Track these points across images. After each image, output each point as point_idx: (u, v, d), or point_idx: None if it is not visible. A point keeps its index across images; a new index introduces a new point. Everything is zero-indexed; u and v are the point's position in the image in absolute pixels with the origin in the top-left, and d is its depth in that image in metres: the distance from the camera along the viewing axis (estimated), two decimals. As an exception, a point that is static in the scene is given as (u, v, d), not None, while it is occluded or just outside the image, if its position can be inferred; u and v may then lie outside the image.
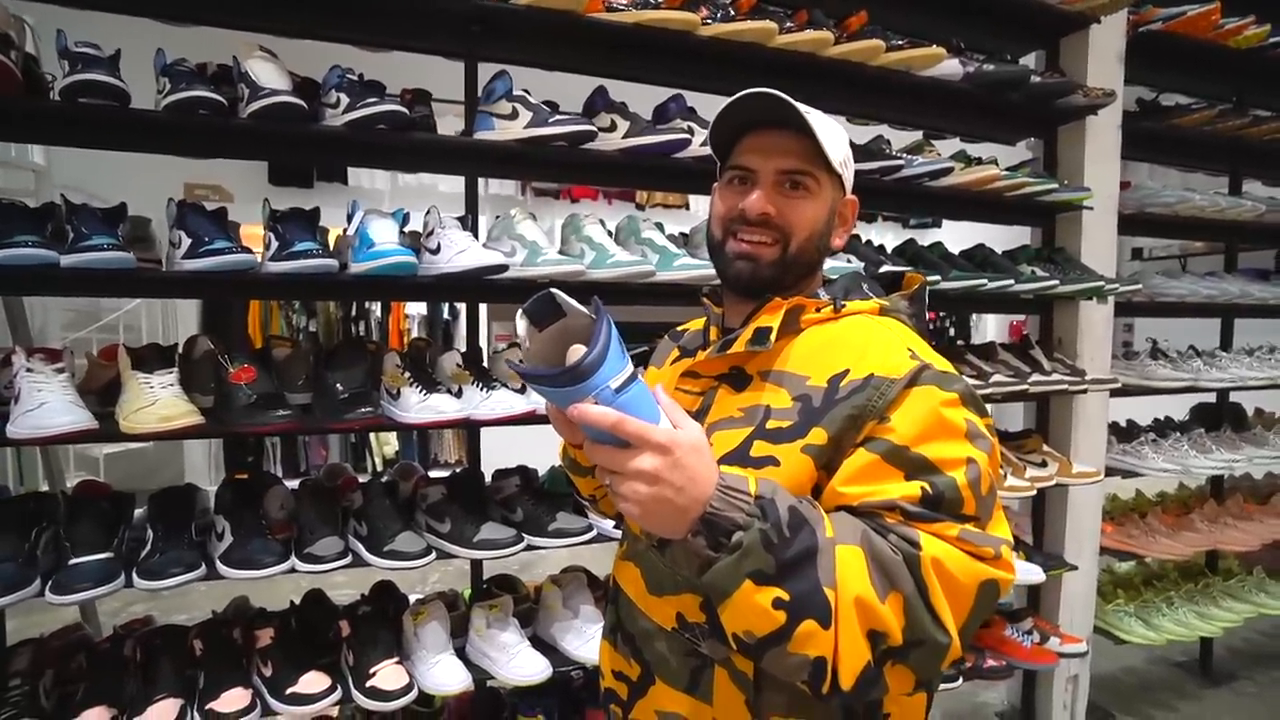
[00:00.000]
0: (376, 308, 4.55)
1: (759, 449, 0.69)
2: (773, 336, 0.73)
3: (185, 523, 1.33)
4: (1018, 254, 1.97)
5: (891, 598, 0.58)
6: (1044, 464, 1.94)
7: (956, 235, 2.14)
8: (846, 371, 0.69)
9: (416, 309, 4.65)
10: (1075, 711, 2.22)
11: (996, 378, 1.80)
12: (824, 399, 0.68)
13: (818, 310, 0.76)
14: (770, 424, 0.70)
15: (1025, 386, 1.83)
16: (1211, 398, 2.55)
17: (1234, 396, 2.58)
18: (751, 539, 0.57)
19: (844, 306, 0.75)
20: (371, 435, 4.54)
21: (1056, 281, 1.81)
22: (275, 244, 1.30)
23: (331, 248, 1.42)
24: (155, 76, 1.25)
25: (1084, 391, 1.95)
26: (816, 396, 0.69)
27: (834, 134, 0.76)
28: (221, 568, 1.26)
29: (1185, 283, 2.18)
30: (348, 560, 1.31)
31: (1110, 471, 2.16)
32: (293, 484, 1.48)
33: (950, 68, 1.74)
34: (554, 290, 0.62)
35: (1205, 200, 2.12)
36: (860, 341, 0.71)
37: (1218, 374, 2.21)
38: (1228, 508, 2.47)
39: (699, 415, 0.76)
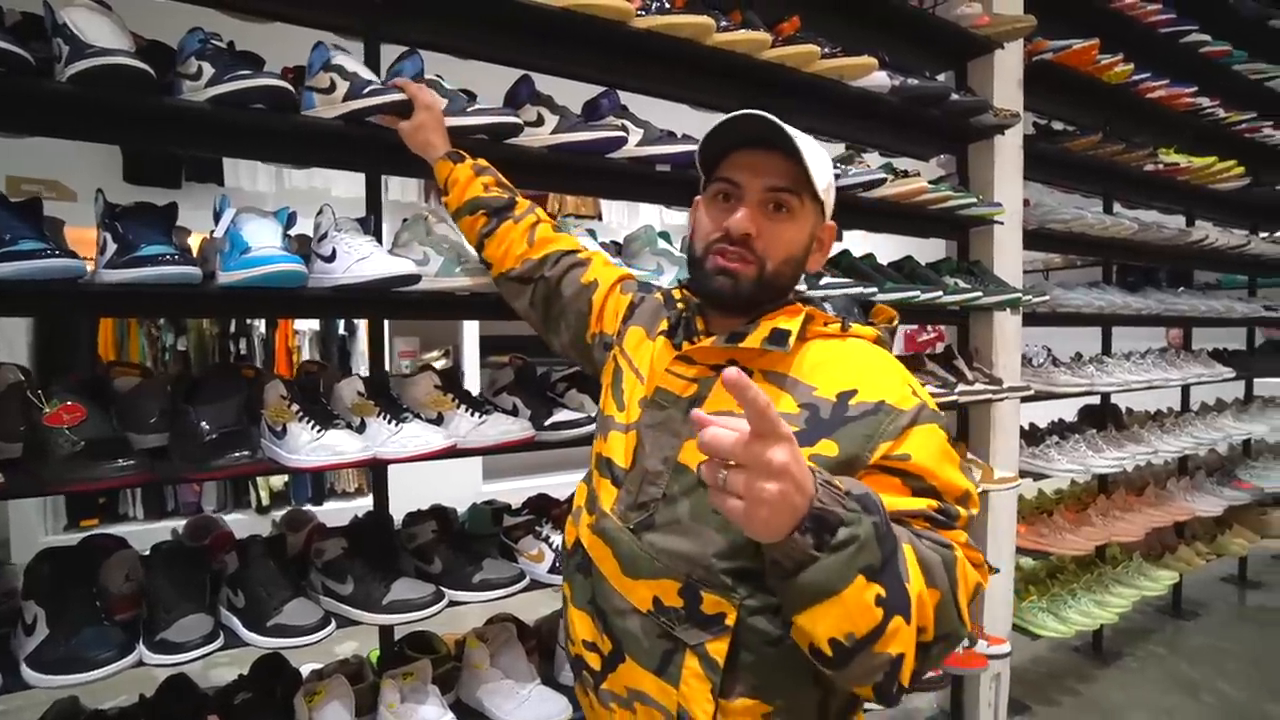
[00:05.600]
0: (260, 323, 4.01)
1: None
2: (791, 340, 0.74)
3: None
4: (940, 266, 2.00)
5: (930, 595, 0.60)
6: (969, 471, 1.98)
7: (870, 246, 2.16)
8: (855, 391, 0.71)
9: (308, 325, 4.10)
10: (999, 709, 2.28)
11: (927, 388, 1.80)
12: (833, 413, 0.71)
13: (825, 325, 0.78)
14: None
15: (955, 397, 1.85)
16: (1095, 399, 2.76)
17: (1112, 397, 2.79)
18: (867, 532, 0.55)
19: (850, 327, 0.79)
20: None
21: (980, 293, 1.85)
22: (113, 247, 1.02)
23: (195, 254, 1.16)
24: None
25: (1003, 399, 2.01)
26: (824, 409, 0.71)
27: (821, 160, 0.78)
28: (29, 674, 0.95)
29: (1079, 294, 2.33)
30: (218, 643, 1.04)
31: (1022, 474, 2.25)
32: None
33: (879, 80, 1.74)
34: None
35: (1094, 218, 2.29)
36: (865, 365, 0.75)
37: (1108, 378, 2.38)
38: (1114, 501, 2.66)
39: (696, 402, 0.77)
